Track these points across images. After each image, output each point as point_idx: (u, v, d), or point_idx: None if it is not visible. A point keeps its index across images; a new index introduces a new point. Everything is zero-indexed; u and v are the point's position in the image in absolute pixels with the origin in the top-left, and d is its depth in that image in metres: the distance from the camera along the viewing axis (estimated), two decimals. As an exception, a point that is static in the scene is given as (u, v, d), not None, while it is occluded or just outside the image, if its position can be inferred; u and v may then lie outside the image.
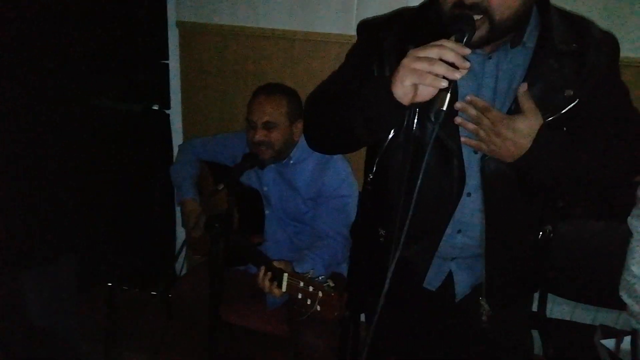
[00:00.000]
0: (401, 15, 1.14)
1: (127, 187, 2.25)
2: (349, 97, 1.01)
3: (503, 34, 0.98)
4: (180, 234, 2.42)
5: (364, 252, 1.40)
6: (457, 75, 0.83)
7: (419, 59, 0.85)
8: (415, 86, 0.87)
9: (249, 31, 2.09)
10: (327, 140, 1.17)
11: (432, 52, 0.84)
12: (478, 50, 1.01)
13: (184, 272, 1.79)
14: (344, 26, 1.97)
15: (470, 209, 1.13)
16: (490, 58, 1.05)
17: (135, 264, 2.36)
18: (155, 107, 2.28)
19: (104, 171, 1.94)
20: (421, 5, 1.12)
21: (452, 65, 0.83)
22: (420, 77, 0.85)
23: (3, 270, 1.47)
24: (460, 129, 1.06)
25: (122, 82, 2.19)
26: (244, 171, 1.63)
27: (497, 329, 1.24)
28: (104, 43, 2.09)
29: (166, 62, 2.21)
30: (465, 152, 1.08)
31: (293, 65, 2.10)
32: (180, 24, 2.14)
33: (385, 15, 1.18)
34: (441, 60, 0.83)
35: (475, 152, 1.09)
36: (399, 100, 0.89)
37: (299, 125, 1.70)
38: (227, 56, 2.15)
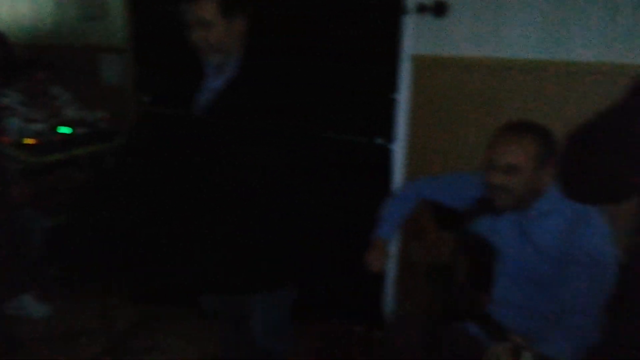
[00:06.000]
0: None
1: (343, 218, 2.26)
2: None
3: None
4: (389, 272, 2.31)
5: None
6: None
7: None
8: None
9: (491, 62, 1.90)
10: (593, 188, 1.01)
11: None
12: None
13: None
14: (603, 52, 1.68)
15: None
16: None
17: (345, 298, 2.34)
18: (379, 141, 2.25)
19: (327, 203, 1.97)
20: None
21: None
22: None
23: (235, 293, 1.64)
24: None
25: (349, 115, 2.25)
26: (476, 217, 1.42)
27: None
28: (336, 76, 2.18)
29: (395, 96, 2.17)
30: None
31: (540, 100, 1.82)
32: (415, 58, 2.08)
33: None
34: None
35: None
36: None
37: (548, 170, 1.42)
38: (464, 90, 1.99)
